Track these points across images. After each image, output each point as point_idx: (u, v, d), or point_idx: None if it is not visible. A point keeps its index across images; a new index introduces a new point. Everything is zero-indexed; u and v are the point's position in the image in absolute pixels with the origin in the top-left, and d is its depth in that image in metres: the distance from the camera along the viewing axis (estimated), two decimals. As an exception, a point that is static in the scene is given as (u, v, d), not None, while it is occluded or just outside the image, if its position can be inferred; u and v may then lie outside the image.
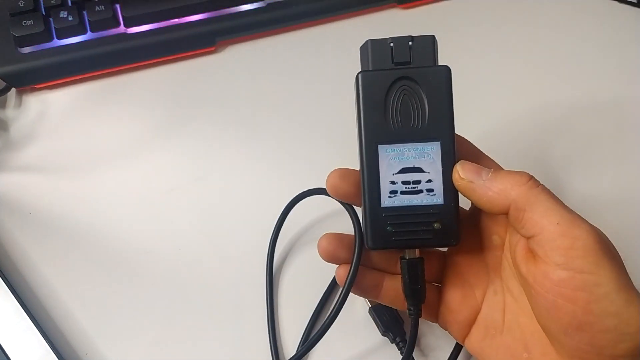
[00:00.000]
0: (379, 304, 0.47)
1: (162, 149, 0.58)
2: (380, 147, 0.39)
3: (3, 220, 0.55)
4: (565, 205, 0.36)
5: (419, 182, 0.39)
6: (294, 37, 0.62)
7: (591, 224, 0.36)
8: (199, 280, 0.52)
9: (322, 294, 0.50)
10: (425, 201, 0.39)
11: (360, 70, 0.40)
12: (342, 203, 0.43)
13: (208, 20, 0.61)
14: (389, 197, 0.40)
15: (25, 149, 0.58)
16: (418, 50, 0.39)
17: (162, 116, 0.59)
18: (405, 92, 0.39)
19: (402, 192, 0.39)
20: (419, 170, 0.39)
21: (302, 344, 0.49)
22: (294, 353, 0.45)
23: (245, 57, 0.62)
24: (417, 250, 0.41)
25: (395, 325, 0.48)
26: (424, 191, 0.40)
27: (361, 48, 0.41)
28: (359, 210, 0.43)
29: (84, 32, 0.59)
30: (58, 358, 0.47)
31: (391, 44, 0.39)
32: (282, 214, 0.52)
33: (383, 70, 0.39)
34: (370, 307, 0.49)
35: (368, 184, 0.40)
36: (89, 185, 0.56)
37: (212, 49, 0.62)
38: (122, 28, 0.60)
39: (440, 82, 0.39)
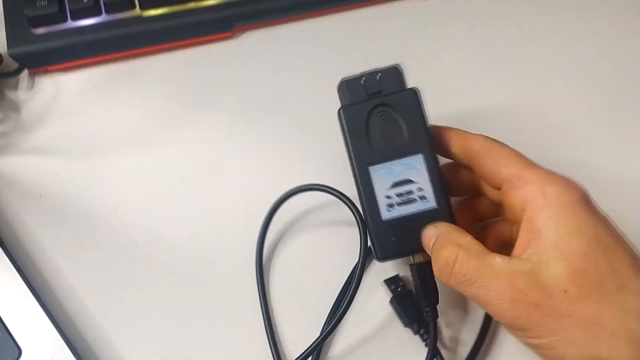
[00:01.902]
0: (401, 293, 0.54)
1: (174, 135, 0.61)
2: (370, 168, 0.47)
3: (13, 203, 0.59)
4: None
5: (411, 192, 0.47)
6: (314, 24, 0.66)
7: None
8: (210, 269, 0.56)
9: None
10: (420, 208, 0.47)
11: (340, 106, 0.48)
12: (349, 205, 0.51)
13: (225, 5, 0.63)
14: (388, 210, 0.47)
15: (36, 131, 0.62)
16: (386, 80, 0.48)
17: (175, 102, 0.63)
18: (382, 117, 0.47)
19: (399, 204, 0.47)
20: (408, 182, 0.47)
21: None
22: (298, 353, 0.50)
23: (263, 44, 0.65)
24: (423, 254, 0.47)
25: (420, 316, 0.51)
26: (418, 199, 0.47)
27: (338, 87, 0.49)
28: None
29: (99, 13, 0.63)
30: (67, 344, 0.50)
31: (362, 80, 0.48)
32: (273, 206, 0.56)
33: (360, 102, 0.48)
34: (392, 297, 0.53)
35: (367, 203, 0.47)
36: (100, 170, 0.60)
37: (229, 34, 0.65)
38: (137, 11, 0.64)
39: (411, 102, 0.47)
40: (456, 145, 0.47)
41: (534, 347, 0.41)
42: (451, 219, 0.46)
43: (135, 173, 0.60)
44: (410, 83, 0.48)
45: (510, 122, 0.60)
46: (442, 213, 0.47)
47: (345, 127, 0.48)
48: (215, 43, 0.66)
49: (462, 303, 0.54)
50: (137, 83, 0.64)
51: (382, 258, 0.48)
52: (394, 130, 0.47)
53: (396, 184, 0.47)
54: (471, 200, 0.51)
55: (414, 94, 0.47)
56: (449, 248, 0.42)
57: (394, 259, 0.50)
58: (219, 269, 0.56)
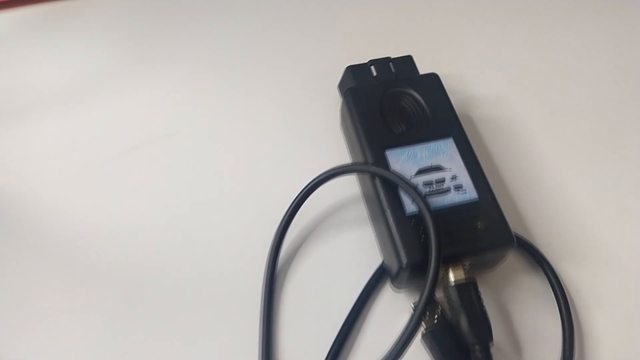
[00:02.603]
0: (439, 325, 0.35)
1: (122, 92, 0.47)
2: (388, 152, 0.38)
3: None
4: None
5: (442, 180, 0.37)
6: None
7: None
8: (167, 269, 0.39)
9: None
10: (456, 199, 0.36)
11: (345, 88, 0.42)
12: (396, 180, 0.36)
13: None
14: (413, 203, 0.36)
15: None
16: (400, 66, 0.43)
17: (124, 52, 0.50)
18: (401, 100, 0.40)
19: (427, 195, 0.36)
20: (438, 168, 0.37)
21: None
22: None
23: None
24: (462, 269, 0.35)
25: (466, 356, 0.34)
26: (452, 189, 0.36)
27: (342, 77, 0.44)
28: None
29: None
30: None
31: (371, 66, 0.43)
32: (297, 200, 0.40)
33: (371, 85, 0.42)
34: (425, 330, 0.35)
35: (385, 193, 0.36)
36: (20, 137, 0.44)
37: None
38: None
39: (435, 86, 0.41)
40: None
41: None
42: (499, 213, 0.36)
43: (68, 141, 0.44)
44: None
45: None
46: (487, 207, 0.36)
47: (353, 109, 0.40)
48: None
49: (524, 336, 0.37)
50: (78, 27, 0.51)
51: (411, 263, 0.34)
52: (415, 114, 0.40)
53: (423, 171, 0.37)
54: None
55: (437, 78, 0.42)
56: None
57: (422, 268, 0.33)
58: (183, 275, 0.39)
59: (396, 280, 0.35)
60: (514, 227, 0.38)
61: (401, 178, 0.35)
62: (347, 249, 0.39)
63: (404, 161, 0.37)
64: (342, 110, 0.42)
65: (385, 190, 0.36)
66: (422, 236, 0.34)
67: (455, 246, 0.34)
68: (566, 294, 0.38)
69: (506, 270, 0.39)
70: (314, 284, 0.38)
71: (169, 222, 0.41)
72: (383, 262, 0.38)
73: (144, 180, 0.43)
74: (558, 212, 0.41)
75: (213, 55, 0.50)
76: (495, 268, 0.38)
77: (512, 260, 0.39)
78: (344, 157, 0.43)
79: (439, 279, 0.33)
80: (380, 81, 0.42)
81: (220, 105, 0.47)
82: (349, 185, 0.42)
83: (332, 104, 0.45)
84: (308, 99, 0.47)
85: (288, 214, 0.39)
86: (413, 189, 0.34)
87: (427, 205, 0.34)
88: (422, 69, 0.43)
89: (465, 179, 0.37)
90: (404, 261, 0.34)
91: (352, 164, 0.38)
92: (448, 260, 0.34)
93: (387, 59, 0.44)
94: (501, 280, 0.38)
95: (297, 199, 0.39)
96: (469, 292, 0.34)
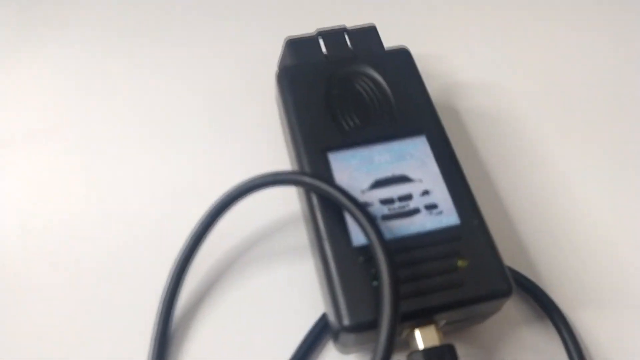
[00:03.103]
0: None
1: None
2: (331, 155, 0.28)
3: None
4: None
5: (409, 196, 0.27)
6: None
7: None
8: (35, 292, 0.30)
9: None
10: (428, 225, 0.26)
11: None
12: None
13: None
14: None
15: None
16: (358, 39, 0.34)
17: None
18: (354, 83, 0.31)
19: (385, 218, 0.26)
20: (403, 179, 0.27)
21: None
22: None
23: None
24: (435, 330, 0.25)
25: None
26: (422, 209, 0.26)
27: (282, 55, 0.35)
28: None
29: None
30: None
31: (320, 39, 0.34)
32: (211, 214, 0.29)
33: (316, 64, 0.33)
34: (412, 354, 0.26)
35: (323, 216, 0.26)
36: None
37: None
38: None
39: (404, 66, 0.32)
40: None
41: None
42: (489, 245, 0.26)
43: None
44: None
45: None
46: (472, 235, 0.26)
47: (287, 95, 0.31)
48: None
49: None
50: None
51: (353, 326, 0.23)
52: (375, 102, 0.30)
53: (381, 183, 0.27)
54: None
55: (408, 54, 0.33)
56: None
57: (374, 328, 0.23)
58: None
59: (339, 342, 0.25)
60: (513, 262, 0.29)
61: (342, 192, 0.24)
62: (280, 290, 0.29)
63: (355, 168, 0.27)
64: (276, 98, 0.32)
65: (323, 212, 0.26)
66: (375, 281, 0.24)
67: (425, 298, 0.24)
68: (582, 350, 0.28)
69: (501, 321, 0.29)
70: (229, 342, 0.28)
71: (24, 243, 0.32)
72: (325, 313, 0.27)
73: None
74: (572, 241, 0.32)
75: (108, 31, 0.42)
76: (485, 320, 0.28)
77: (510, 308, 0.29)
78: (285, 161, 0.33)
79: (400, 342, 0.24)
80: (331, 58, 0.32)
81: (121, 94, 0.38)
82: (289, 202, 0.32)
83: (273, 91, 0.35)
84: (242, 86, 0.38)
85: (187, 249, 0.29)
86: (358, 208, 0.24)
87: (378, 234, 0.23)
88: (390, 44, 0.34)
89: (441, 194, 0.27)
90: (345, 321, 0.23)
91: (271, 174, 0.27)
92: (414, 317, 0.24)
93: (342, 30, 0.34)
94: (494, 335, 0.29)
95: (199, 229, 0.28)
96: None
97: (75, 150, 0.36)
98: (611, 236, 0.32)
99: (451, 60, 0.40)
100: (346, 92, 0.30)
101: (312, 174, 0.26)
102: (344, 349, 0.26)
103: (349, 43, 0.34)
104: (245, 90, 0.37)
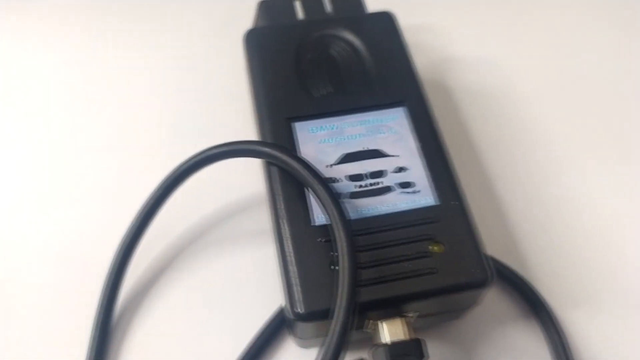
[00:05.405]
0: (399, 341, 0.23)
1: None
2: (297, 124, 0.26)
3: None
4: None
5: (381, 173, 0.24)
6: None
7: None
8: None
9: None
10: (401, 205, 0.24)
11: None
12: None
13: None
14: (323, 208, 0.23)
15: None
16: (338, 1, 0.32)
17: None
18: (329, 47, 0.29)
19: (353, 196, 0.24)
20: (377, 154, 0.25)
21: None
22: None
23: None
24: (403, 323, 0.22)
25: None
26: (395, 187, 0.24)
27: (255, 18, 0.33)
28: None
29: None
30: None
31: (296, 1, 0.32)
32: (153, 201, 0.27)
33: (289, 26, 0.31)
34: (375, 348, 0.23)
35: (281, 191, 0.24)
36: None
37: None
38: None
39: (386, 31, 0.30)
40: None
41: None
42: (468, 228, 0.23)
43: None
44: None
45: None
46: (450, 218, 0.23)
47: (255, 59, 0.29)
48: None
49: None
50: None
51: (307, 314, 0.21)
52: (350, 68, 0.28)
53: (351, 157, 0.25)
54: None
55: (390, 18, 0.30)
56: None
57: (326, 320, 0.21)
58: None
59: (295, 334, 0.23)
60: (498, 252, 0.27)
61: (301, 163, 0.22)
62: (238, 278, 0.27)
63: (323, 140, 0.25)
64: (245, 63, 0.29)
65: (283, 187, 0.23)
66: (334, 266, 0.21)
67: (391, 285, 0.21)
68: (570, 353, 0.26)
69: (481, 317, 0.26)
70: (177, 334, 0.26)
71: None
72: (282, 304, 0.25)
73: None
74: (569, 233, 0.29)
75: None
76: (463, 315, 0.25)
77: (492, 302, 0.27)
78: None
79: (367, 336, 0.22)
80: (304, 22, 0.30)
81: (77, 58, 0.36)
82: (256, 180, 0.29)
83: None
84: (213, 51, 0.36)
85: (134, 229, 0.26)
86: (318, 182, 0.21)
87: (339, 211, 0.21)
88: (374, 8, 0.32)
89: (418, 172, 0.24)
90: (298, 308, 0.21)
91: (224, 145, 0.25)
92: (378, 306, 0.21)
93: None
94: (473, 332, 0.26)
95: (147, 207, 0.26)
96: (407, 356, 0.22)
97: (26, 117, 0.33)
98: (612, 230, 0.30)
99: (444, 32, 0.37)
100: (319, 57, 0.28)
101: (269, 144, 0.24)
102: (302, 342, 0.24)
103: (328, 7, 0.31)
104: (216, 55, 0.35)
